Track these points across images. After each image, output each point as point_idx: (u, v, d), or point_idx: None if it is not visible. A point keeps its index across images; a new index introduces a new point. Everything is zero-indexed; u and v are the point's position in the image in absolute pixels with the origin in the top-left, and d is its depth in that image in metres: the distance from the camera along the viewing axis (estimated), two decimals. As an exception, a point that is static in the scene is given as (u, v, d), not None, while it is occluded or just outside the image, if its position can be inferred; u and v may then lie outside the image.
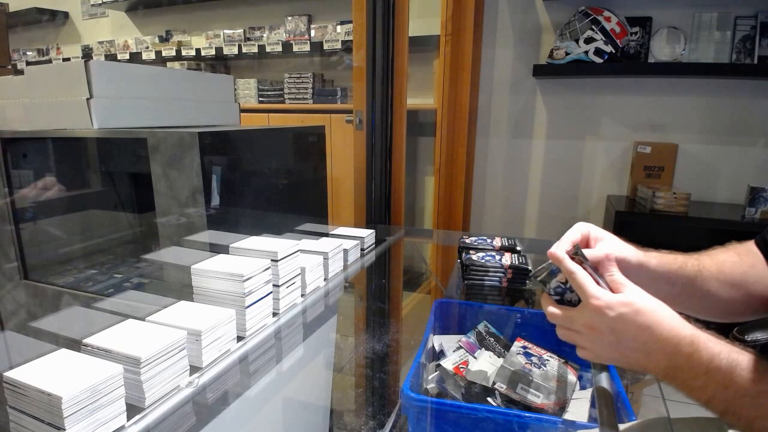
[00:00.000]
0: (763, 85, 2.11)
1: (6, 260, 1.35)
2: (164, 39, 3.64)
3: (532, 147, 2.55)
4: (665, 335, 0.55)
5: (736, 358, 0.50)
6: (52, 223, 1.44)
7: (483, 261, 1.30)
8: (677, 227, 2.22)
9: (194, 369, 0.78)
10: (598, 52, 2.10)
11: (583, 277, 0.61)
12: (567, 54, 2.16)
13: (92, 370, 0.62)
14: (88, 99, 1.16)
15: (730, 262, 0.72)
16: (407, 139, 1.91)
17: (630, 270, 0.65)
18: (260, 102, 3.24)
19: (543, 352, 0.98)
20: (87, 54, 3.93)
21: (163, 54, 3.45)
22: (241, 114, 1.71)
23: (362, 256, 1.45)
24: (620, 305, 0.57)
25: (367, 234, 1.49)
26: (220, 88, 1.60)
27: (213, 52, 3.29)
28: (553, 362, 0.95)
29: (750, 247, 0.75)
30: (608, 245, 0.67)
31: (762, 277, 0.70)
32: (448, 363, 0.98)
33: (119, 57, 3.70)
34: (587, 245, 0.69)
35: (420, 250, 1.99)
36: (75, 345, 0.70)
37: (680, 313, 0.58)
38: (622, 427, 0.69)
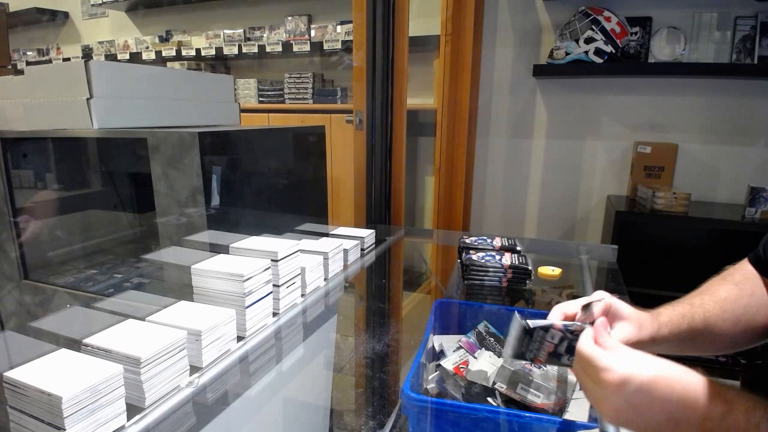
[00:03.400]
0: (763, 85, 2.11)
1: (6, 260, 1.35)
2: (164, 39, 3.64)
3: (532, 147, 2.54)
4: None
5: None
6: (52, 223, 1.44)
7: (483, 261, 1.30)
8: (677, 227, 2.22)
9: (194, 369, 0.78)
10: (598, 52, 2.10)
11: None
12: (567, 54, 2.16)
13: (92, 370, 0.62)
14: (88, 99, 1.16)
15: (732, 297, 0.71)
16: (407, 139, 1.91)
17: (645, 346, 0.65)
18: (260, 102, 3.23)
19: (543, 352, 0.98)
20: (87, 54, 3.93)
21: (163, 54, 3.45)
22: (241, 114, 1.71)
23: (362, 256, 1.45)
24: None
25: (367, 234, 1.49)
26: (220, 88, 1.60)
27: (213, 52, 3.29)
28: (553, 362, 0.95)
29: (745, 268, 0.74)
30: (626, 327, 0.64)
31: (763, 304, 0.70)
32: (448, 363, 0.98)
33: (119, 57, 3.70)
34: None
35: (420, 250, 1.99)
36: (75, 345, 0.70)
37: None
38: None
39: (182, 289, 0.96)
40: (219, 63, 3.51)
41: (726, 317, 0.70)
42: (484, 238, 1.50)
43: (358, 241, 1.42)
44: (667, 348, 0.69)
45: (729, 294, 0.72)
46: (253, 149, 1.30)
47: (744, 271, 0.74)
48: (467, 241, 1.47)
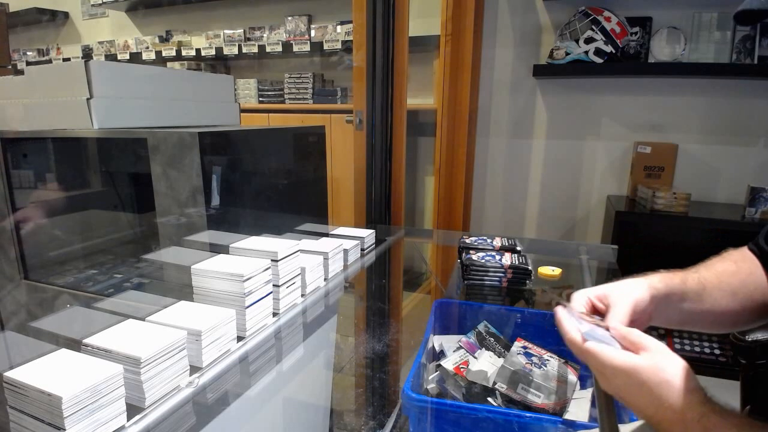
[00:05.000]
0: (763, 85, 2.11)
1: (6, 260, 1.35)
2: (164, 39, 3.64)
3: (532, 147, 2.54)
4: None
5: None
6: (52, 223, 1.44)
7: (483, 261, 1.30)
8: (677, 227, 2.22)
9: (194, 369, 0.78)
10: (598, 52, 2.10)
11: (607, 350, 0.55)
12: (567, 54, 2.16)
13: (92, 370, 0.62)
14: (88, 99, 1.15)
15: (729, 271, 0.71)
16: (407, 139, 1.91)
17: (644, 305, 0.63)
18: (260, 102, 3.23)
19: (543, 352, 0.98)
20: (87, 54, 3.93)
21: (163, 54, 3.45)
22: (241, 114, 1.71)
23: (362, 256, 1.45)
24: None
25: (367, 234, 1.49)
26: (220, 88, 1.60)
27: (213, 52, 3.29)
28: (553, 362, 0.95)
29: (745, 253, 0.75)
30: (620, 298, 0.63)
31: (761, 284, 0.70)
32: (449, 363, 0.98)
33: (119, 57, 3.70)
34: (597, 311, 0.65)
35: (420, 250, 1.99)
36: (75, 345, 0.70)
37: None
38: (622, 427, 0.69)
39: (182, 289, 0.96)
40: (219, 63, 3.51)
41: (723, 287, 0.69)
42: (484, 238, 1.50)
43: (358, 241, 1.42)
44: (666, 318, 0.67)
45: (727, 268, 0.72)
46: (253, 149, 1.30)
47: (743, 253, 0.75)
48: (467, 241, 1.47)
